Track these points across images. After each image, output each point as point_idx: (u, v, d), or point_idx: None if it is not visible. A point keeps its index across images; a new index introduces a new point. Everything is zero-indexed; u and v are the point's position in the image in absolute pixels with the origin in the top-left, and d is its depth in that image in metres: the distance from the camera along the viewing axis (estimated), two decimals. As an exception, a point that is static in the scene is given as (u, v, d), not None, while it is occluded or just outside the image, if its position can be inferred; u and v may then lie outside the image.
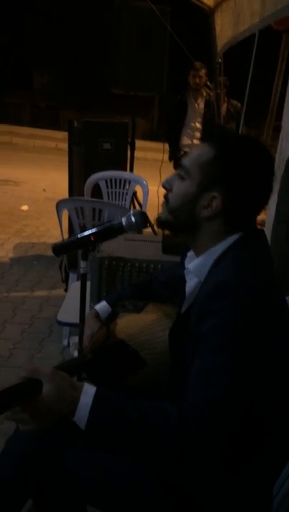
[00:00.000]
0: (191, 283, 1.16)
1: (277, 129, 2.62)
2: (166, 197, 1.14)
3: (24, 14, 15.10)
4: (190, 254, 1.19)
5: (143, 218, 1.35)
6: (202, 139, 1.11)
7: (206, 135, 1.11)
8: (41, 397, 0.90)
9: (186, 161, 1.10)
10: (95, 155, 3.73)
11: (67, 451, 1.13)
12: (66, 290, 3.23)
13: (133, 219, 1.34)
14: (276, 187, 2.44)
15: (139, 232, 2.48)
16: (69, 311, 2.18)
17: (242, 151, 1.06)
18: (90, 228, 1.41)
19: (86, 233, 1.37)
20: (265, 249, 1.10)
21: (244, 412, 0.94)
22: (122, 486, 1.08)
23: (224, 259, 1.04)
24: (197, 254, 1.13)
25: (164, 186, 1.15)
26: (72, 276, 2.96)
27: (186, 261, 1.19)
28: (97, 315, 1.45)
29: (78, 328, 1.69)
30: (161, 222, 1.16)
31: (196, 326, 1.00)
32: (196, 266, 1.11)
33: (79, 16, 14.51)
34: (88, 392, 0.93)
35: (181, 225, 1.13)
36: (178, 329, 1.15)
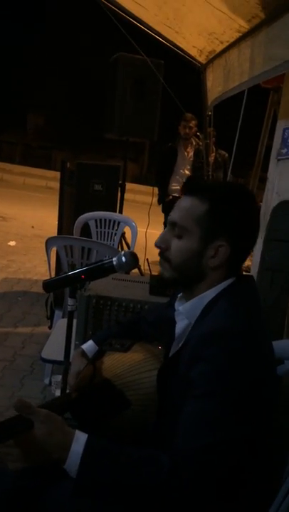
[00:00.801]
0: (180, 324, 1.16)
1: (262, 180, 2.74)
2: (164, 256, 1.13)
3: (23, 57, 15.64)
4: (180, 295, 1.20)
5: (134, 259, 1.38)
6: (186, 192, 1.12)
7: (189, 189, 1.13)
8: (31, 436, 0.90)
9: (177, 219, 1.10)
10: (86, 195, 3.82)
11: (49, 491, 1.10)
12: (50, 327, 3.21)
13: (124, 259, 1.37)
14: (261, 235, 2.53)
15: (127, 272, 2.52)
16: (53, 348, 2.17)
17: (233, 198, 1.09)
18: (79, 266, 1.44)
19: (77, 271, 1.40)
20: (255, 295, 1.12)
21: (235, 459, 0.95)
22: None
23: (216, 304, 1.06)
24: (189, 298, 1.14)
25: (158, 247, 1.14)
26: (57, 313, 2.95)
27: (177, 303, 1.20)
28: (83, 354, 1.46)
29: (61, 366, 1.68)
30: (166, 281, 1.15)
31: (187, 369, 1.01)
32: (187, 308, 1.13)
33: (76, 62, 15.10)
34: (80, 440, 0.93)
35: (186, 279, 1.12)
36: (166, 371, 1.15)
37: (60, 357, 1.70)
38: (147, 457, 0.94)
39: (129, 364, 1.26)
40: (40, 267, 5.12)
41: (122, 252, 1.38)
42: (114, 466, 0.93)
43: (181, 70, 4.19)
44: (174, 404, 1.04)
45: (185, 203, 1.10)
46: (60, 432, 0.93)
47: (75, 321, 1.77)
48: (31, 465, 0.94)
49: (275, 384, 1.07)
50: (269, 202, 2.53)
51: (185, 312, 1.13)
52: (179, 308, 1.16)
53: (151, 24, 3.33)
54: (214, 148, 5.29)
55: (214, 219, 1.06)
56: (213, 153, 5.21)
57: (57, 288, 1.51)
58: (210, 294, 1.09)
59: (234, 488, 0.99)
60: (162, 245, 1.13)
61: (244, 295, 1.09)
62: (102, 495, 0.94)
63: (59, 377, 2.50)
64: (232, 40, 2.83)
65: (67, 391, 1.56)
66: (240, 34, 2.67)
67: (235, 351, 0.96)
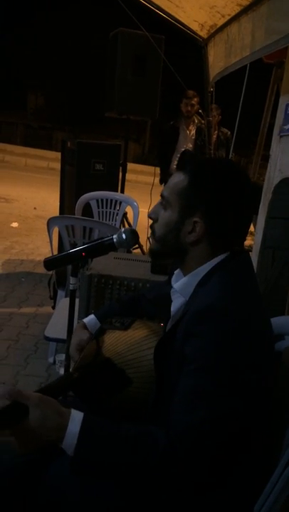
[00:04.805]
0: (176, 302, 1.17)
1: (266, 158, 2.70)
2: (152, 227, 1.17)
3: (22, 36, 15.38)
4: (177, 272, 1.21)
5: (134, 236, 1.38)
6: (177, 168, 1.14)
7: (179, 163, 1.13)
8: (27, 423, 0.92)
9: (165, 191, 1.13)
10: (87, 175, 3.79)
11: (50, 468, 1.11)
12: (54, 307, 3.23)
13: (124, 236, 1.36)
14: (263, 213, 2.51)
15: (129, 251, 2.52)
16: (57, 327, 2.19)
17: (214, 175, 1.08)
18: (81, 246, 1.44)
19: (77, 248, 1.40)
20: (249, 269, 1.12)
21: (227, 435, 0.96)
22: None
23: (209, 279, 1.06)
24: (184, 274, 1.15)
25: (150, 217, 1.17)
26: (60, 293, 2.97)
27: (173, 279, 1.20)
28: (84, 326, 1.47)
29: (65, 345, 1.70)
30: (153, 254, 1.19)
31: (181, 345, 1.02)
32: (181, 285, 1.13)
33: (76, 40, 14.84)
34: (75, 419, 0.95)
35: (168, 252, 1.15)
36: (163, 347, 1.16)
37: (63, 335, 1.71)
38: (143, 434, 0.96)
39: (130, 342, 1.27)
40: (42, 248, 5.13)
41: (122, 230, 1.38)
42: (110, 443, 0.95)
43: (183, 46, 4.11)
44: (172, 381, 1.05)
45: (174, 177, 1.13)
46: (55, 413, 0.95)
47: (77, 300, 1.79)
48: (30, 452, 0.96)
49: (271, 360, 1.07)
50: (271, 179, 2.50)
51: (179, 290, 1.14)
52: (173, 286, 1.17)
53: (151, -2, 3.26)
54: (217, 127, 5.23)
55: (193, 194, 1.08)
56: (216, 131, 5.15)
57: (58, 266, 1.52)
58: (203, 270, 1.09)
59: (230, 464, 1.00)
60: (152, 215, 1.17)
61: (237, 270, 1.08)
62: (99, 472, 0.96)
63: (63, 356, 2.53)
64: (234, 13, 2.77)
65: (70, 369, 1.57)
66: (242, 7, 2.61)
67: (227, 327, 0.96)
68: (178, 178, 1.11)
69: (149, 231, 1.20)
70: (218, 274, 1.06)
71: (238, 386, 0.96)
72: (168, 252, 1.16)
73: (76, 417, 0.95)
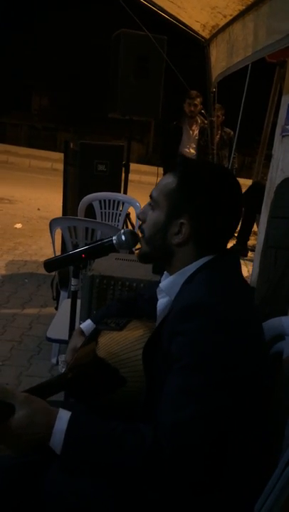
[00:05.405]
0: (162, 301, 1.18)
1: (269, 158, 2.70)
2: (141, 228, 1.18)
3: (26, 37, 15.43)
4: (166, 272, 1.20)
5: (133, 237, 1.38)
6: (169, 169, 1.14)
7: (171, 165, 1.14)
8: (13, 421, 0.92)
9: (154, 192, 1.14)
10: (89, 176, 3.80)
11: (48, 471, 1.11)
12: (57, 308, 3.23)
13: (123, 237, 1.36)
14: (265, 213, 2.51)
15: (131, 252, 2.52)
16: (59, 328, 2.19)
17: (203, 179, 1.08)
18: (80, 247, 1.44)
19: (77, 250, 1.40)
20: (236, 269, 1.12)
21: (216, 433, 0.95)
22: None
23: (194, 279, 1.06)
24: (171, 274, 1.15)
25: (138, 217, 1.18)
26: (63, 294, 2.97)
27: (162, 279, 1.21)
28: (81, 332, 1.47)
29: (67, 345, 1.70)
30: (141, 256, 1.19)
31: (168, 344, 1.02)
32: (167, 284, 1.14)
33: (79, 41, 14.87)
34: (63, 417, 0.96)
35: (156, 254, 1.16)
36: (151, 347, 1.16)
37: (65, 336, 1.71)
38: (130, 431, 0.96)
39: (124, 342, 1.27)
40: (46, 249, 5.14)
41: (122, 231, 1.38)
42: (97, 442, 0.95)
43: (185, 46, 4.11)
44: (160, 379, 1.05)
45: (164, 178, 1.13)
46: (42, 411, 0.96)
47: (79, 301, 1.79)
48: (17, 451, 0.96)
49: (260, 358, 1.06)
50: (274, 179, 2.50)
51: (165, 289, 1.15)
52: (160, 284, 1.17)
53: (153, -1, 3.25)
54: (220, 127, 5.23)
55: (181, 196, 1.08)
56: (219, 132, 5.15)
57: (58, 267, 1.52)
58: (189, 270, 1.09)
59: (223, 463, 0.99)
60: (140, 216, 1.17)
61: (223, 270, 1.08)
62: (87, 469, 0.96)
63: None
64: (235, 13, 2.77)
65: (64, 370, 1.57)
66: (243, 7, 2.61)
67: (210, 324, 0.96)
68: (167, 180, 1.11)
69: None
70: (203, 273, 1.06)
71: (224, 383, 0.95)
72: (156, 255, 1.16)
73: (64, 415, 0.96)
